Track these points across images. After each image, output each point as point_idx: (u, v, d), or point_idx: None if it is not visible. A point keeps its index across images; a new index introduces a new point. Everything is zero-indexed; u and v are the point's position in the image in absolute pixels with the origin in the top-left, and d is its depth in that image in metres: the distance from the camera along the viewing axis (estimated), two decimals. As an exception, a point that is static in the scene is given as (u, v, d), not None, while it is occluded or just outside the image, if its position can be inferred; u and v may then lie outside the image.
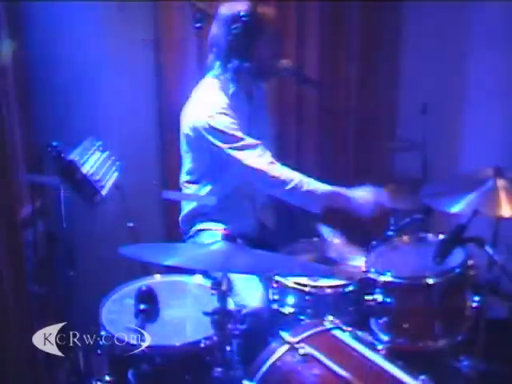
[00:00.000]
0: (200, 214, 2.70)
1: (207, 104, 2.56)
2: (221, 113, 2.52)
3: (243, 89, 2.63)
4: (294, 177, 2.54)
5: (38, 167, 2.39)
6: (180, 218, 2.80)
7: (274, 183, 2.53)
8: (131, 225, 2.51)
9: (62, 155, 2.24)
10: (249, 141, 2.53)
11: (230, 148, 2.51)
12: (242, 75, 2.56)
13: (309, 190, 2.54)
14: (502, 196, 2.23)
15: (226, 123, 2.52)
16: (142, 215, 2.62)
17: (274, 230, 2.76)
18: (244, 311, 2.27)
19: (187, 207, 2.75)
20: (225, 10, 2.55)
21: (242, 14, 2.50)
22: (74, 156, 2.26)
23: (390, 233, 2.79)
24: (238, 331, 2.02)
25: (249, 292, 2.36)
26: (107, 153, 2.49)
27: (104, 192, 2.30)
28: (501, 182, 2.28)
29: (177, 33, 2.95)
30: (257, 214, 2.75)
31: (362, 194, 2.59)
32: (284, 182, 2.52)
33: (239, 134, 2.52)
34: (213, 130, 2.51)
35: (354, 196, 2.57)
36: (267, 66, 2.62)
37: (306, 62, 3.21)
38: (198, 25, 2.68)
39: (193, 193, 2.68)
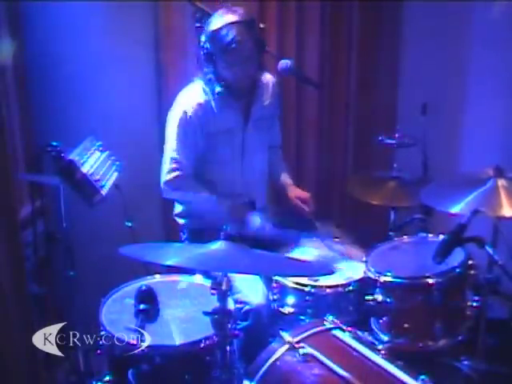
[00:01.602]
0: (196, 214, 2.71)
1: (182, 95, 2.66)
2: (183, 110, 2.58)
3: (230, 99, 2.61)
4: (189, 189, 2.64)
5: (38, 167, 2.39)
6: (175, 213, 2.81)
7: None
8: (130, 224, 2.51)
9: (62, 155, 2.24)
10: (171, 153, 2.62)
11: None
12: (215, 84, 2.57)
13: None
14: (503, 196, 2.24)
15: (177, 117, 2.60)
16: (141, 215, 2.62)
17: (272, 231, 2.76)
18: (246, 308, 2.29)
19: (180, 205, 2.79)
20: (210, 18, 2.53)
21: (207, 33, 2.50)
22: (73, 156, 2.26)
23: (390, 233, 2.80)
24: (240, 328, 2.03)
25: (250, 289, 2.37)
26: (107, 153, 2.50)
27: (104, 192, 2.30)
28: (501, 182, 2.28)
29: (177, 33, 2.95)
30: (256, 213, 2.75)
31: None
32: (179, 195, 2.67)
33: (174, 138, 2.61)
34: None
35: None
36: (238, 86, 2.59)
37: (306, 62, 3.21)
38: (197, 25, 2.68)
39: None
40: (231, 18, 2.47)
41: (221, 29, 2.46)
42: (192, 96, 2.62)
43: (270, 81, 2.77)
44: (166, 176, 2.63)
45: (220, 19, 2.49)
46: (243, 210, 2.57)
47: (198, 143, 2.62)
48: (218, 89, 2.56)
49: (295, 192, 2.86)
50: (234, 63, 2.50)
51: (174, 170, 2.61)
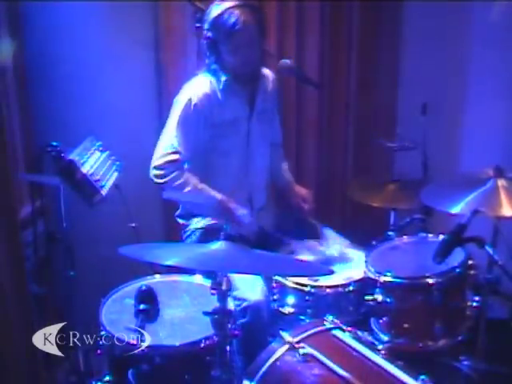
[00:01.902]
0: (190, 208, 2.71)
1: (187, 85, 2.65)
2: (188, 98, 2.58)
3: (236, 88, 2.62)
4: (183, 177, 2.57)
5: (38, 167, 2.39)
6: (177, 214, 2.81)
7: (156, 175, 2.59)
8: (133, 225, 2.51)
9: (62, 155, 2.24)
10: (170, 134, 2.59)
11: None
12: (220, 73, 2.58)
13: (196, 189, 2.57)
14: (503, 196, 2.24)
15: (181, 103, 2.58)
16: (141, 215, 2.62)
17: (271, 232, 2.76)
18: (245, 304, 2.28)
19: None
20: (209, 9, 2.54)
21: (209, 21, 2.51)
22: (73, 156, 2.26)
23: (390, 233, 2.80)
24: (239, 325, 2.03)
25: (249, 286, 2.36)
26: (107, 153, 2.49)
27: (104, 192, 2.30)
28: (501, 182, 2.28)
29: (177, 33, 2.95)
30: (255, 215, 2.74)
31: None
32: (171, 179, 2.56)
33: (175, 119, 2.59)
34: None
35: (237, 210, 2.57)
36: (243, 72, 2.61)
37: (306, 62, 3.21)
38: (197, 25, 2.68)
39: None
40: (232, 2, 2.49)
41: (223, 13, 2.48)
42: (198, 86, 2.61)
43: (270, 75, 2.78)
44: (157, 160, 2.59)
45: (221, 5, 2.50)
46: (232, 206, 2.56)
47: (199, 133, 2.60)
48: (223, 77, 2.57)
49: (296, 189, 2.86)
50: (238, 46, 2.51)
51: (168, 154, 2.58)
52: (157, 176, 2.59)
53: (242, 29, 2.47)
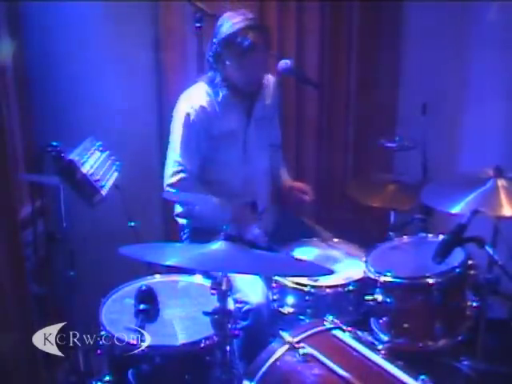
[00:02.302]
0: (197, 215, 2.71)
1: (184, 97, 2.65)
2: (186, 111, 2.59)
3: (234, 98, 2.62)
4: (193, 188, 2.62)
5: (38, 167, 2.39)
6: (176, 213, 2.81)
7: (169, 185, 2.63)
8: (133, 224, 2.51)
9: (62, 155, 2.24)
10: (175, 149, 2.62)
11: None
12: (220, 87, 2.58)
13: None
14: (503, 196, 2.24)
15: (180, 120, 2.60)
16: (141, 215, 2.62)
17: (273, 233, 2.75)
18: (246, 307, 2.29)
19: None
20: (219, 22, 2.55)
21: (220, 37, 2.51)
22: (73, 156, 2.26)
23: (390, 233, 2.80)
24: (240, 327, 2.03)
25: (250, 289, 2.36)
26: (107, 153, 2.49)
27: (104, 192, 2.30)
28: (501, 182, 2.29)
29: (177, 33, 2.95)
30: (257, 217, 2.73)
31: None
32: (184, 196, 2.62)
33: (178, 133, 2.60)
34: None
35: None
36: (245, 89, 2.62)
37: (306, 62, 3.21)
38: (197, 25, 2.69)
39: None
40: (245, 22, 2.49)
41: (237, 34, 2.48)
42: (195, 98, 2.62)
43: (271, 81, 2.79)
44: (169, 178, 2.63)
45: (234, 24, 2.50)
46: (245, 211, 2.56)
47: (201, 146, 2.62)
48: (223, 92, 2.58)
49: (294, 184, 2.87)
50: (248, 66, 2.53)
51: (177, 172, 2.61)
52: (168, 193, 2.65)
53: (255, 51, 2.49)
